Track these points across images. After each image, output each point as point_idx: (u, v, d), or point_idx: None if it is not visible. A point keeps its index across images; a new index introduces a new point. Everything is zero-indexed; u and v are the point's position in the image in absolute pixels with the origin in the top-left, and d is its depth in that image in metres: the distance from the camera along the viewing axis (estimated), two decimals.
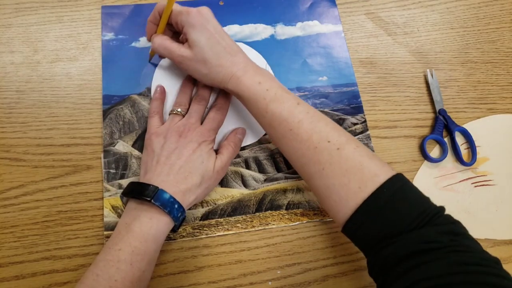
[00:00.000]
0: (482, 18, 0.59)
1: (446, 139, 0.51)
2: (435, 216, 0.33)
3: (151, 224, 0.36)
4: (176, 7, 0.44)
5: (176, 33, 0.48)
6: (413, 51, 0.56)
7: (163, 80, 0.50)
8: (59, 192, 0.45)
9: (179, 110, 0.45)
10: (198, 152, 0.41)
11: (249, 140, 0.49)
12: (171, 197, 0.37)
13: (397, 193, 0.34)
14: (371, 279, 0.44)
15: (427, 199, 0.35)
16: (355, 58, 0.55)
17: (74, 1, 0.54)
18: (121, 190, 0.45)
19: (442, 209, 0.34)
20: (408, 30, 0.58)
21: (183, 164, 0.40)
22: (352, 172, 0.35)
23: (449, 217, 0.34)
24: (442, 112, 0.52)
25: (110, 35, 0.52)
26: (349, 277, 0.44)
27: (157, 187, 0.37)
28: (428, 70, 0.54)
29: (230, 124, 0.49)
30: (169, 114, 0.45)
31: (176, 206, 0.38)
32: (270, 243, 0.45)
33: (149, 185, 0.38)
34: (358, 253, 0.45)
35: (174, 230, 0.40)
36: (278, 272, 0.44)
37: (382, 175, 0.34)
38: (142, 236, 0.36)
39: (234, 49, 0.43)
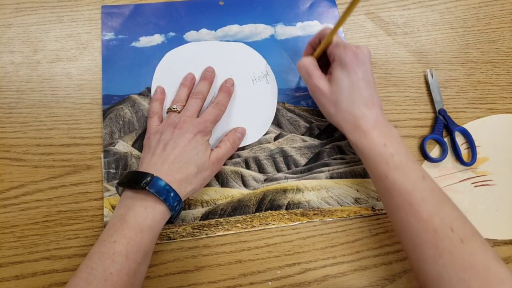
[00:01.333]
0: (482, 18, 0.59)
1: (446, 139, 0.51)
2: None
3: (146, 214, 0.36)
4: (336, 38, 0.43)
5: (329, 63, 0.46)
6: (413, 51, 0.56)
7: (163, 80, 0.50)
8: (59, 192, 0.45)
9: (175, 107, 0.45)
10: (194, 143, 0.41)
11: (249, 140, 0.49)
12: (166, 184, 0.37)
13: None
14: (371, 279, 0.44)
15: None
16: None
17: (74, 1, 0.54)
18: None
19: None
20: (408, 30, 0.58)
21: (178, 154, 0.40)
22: (475, 270, 0.32)
23: None
24: (442, 112, 0.52)
25: (110, 35, 0.52)
26: (349, 277, 0.44)
27: (152, 175, 0.37)
28: (428, 70, 0.54)
29: (231, 124, 0.49)
30: (167, 112, 0.45)
31: (172, 194, 0.37)
32: (270, 243, 0.45)
33: (144, 173, 0.37)
34: (358, 253, 0.45)
35: (171, 221, 0.39)
36: (278, 272, 0.44)
37: (509, 283, 0.31)
38: (137, 227, 0.35)
39: (373, 101, 0.41)
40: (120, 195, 0.40)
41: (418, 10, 0.59)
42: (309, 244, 0.45)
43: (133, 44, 0.52)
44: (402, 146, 0.40)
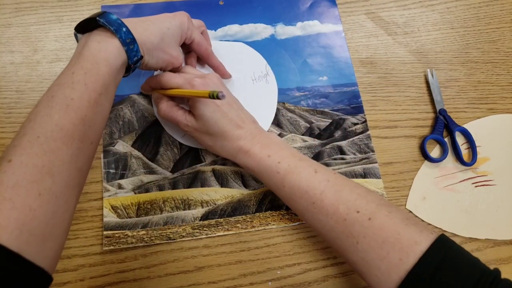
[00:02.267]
0: (482, 18, 0.59)
1: (446, 139, 0.51)
2: (493, 284, 0.29)
3: (99, 46, 0.35)
4: (179, 79, 0.42)
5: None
6: (414, 51, 0.56)
7: None
8: None
9: None
10: (169, 18, 0.41)
11: None
12: (118, 19, 0.36)
13: (444, 261, 0.30)
14: None
15: (478, 263, 0.31)
16: (355, 58, 0.55)
17: (74, 1, 0.54)
18: (121, 190, 0.45)
19: (497, 273, 0.31)
20: (408, 30, 0.58)
21: (149, 17, 0.40)
22: (390, 242, 0.32)
23: (508, 282, 0.30)
24: (443, 112, 0.52)
25: None
26: (349, 277, 0.44)
27: (105, 11, 0.37)
28: (428, 70, 0.54)
29: None
30: None
31: (124, 29, 0.36)
32: (270, 243, 0.45)
33: (96, 13, 0.37)
34: None
35: (128, 68, 0.38)
36: (278, 272, 0.44)
37: (423, 242, 0.31)
38: (92, 59, 0.34)
39: (242, 119, 0.42)
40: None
41: (418, 10, 0.59)
42: (309, 244, 0.45)
43: None
44: (285, 150, 0.40)
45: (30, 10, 0.53)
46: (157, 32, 0.40)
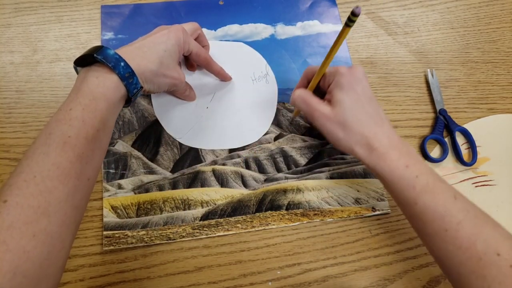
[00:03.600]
0: (482, 18, 0.59)
1: (446, 139, 0.51)
2: None
3: (98, 82, 0.35)
4: (329, 69, 0.42)
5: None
6: (414, 51, 0.56)
7: None
8: None
9: None
10: (164, 38, 0.40)
11: (249, 140, 0.49)
12: (115, 53, 0.36)
13: None
14: (372, 279, 0.44)
15: None
16: (355, 58, 0.55)
17: (73, 1, 0.54)
18: (121, 190, 0.45)
19: None
20: (408, 30, 0.57)
21: (145, 43, 0.40)
22: None
23: None
24: (443, 112, 0.52)
25: (109, 35, 0.52)
26: (349, 277, 0.44)
27: (102, 46, 0.37)
28: (428, 70, 0.54)
29: (231, 123, 0.49)
30: None
31: (122, 64, 0.36)
32: (270, 243, 0.45)
33: (94, 47, 0.37)
34: (358, 254, 0.45)
35: (129, 100, 0.38)
36: (278, 272, 0.44)
37: None
38: (90, 94, 0.34)
39: (381, 117, 0.39)
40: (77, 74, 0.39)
41: (418, 10, 0.59)
42: (309, 244, 0.45)
43: None
44: (424, 165, 0.37)
45: (30, 10, 0.53)
46: (154, 58, 0.39)
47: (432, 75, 0.54)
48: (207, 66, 0.48)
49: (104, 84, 0.35)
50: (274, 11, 0.56)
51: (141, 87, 0.39)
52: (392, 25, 0.58)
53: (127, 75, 0.36)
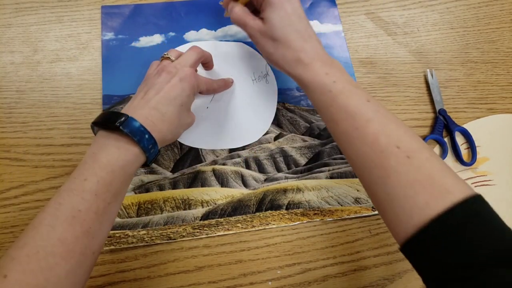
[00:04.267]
0: (482, 18, 0.59)
1: (446, 139, 0.51)
2: None
3: (118, 154, 0.34)
4: None
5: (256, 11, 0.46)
6: (413, 51, 0.56)
7: None
8: None
9: (167, 55, 0.43)
10: (178, 91, 0.40)
11: (249, 139, 0.49)
12: (141, 126, 0.35)
13: (472, 218, 0.29)
14: (371, 279, 0.44)
15: (510, 232, 0.29)
16: (355, 58, 0.55)
17: (74, 1, 0.54)
18: None
19: None
20: (408, 30, 0.58)
21: (159, 99, 0.38)
22: (421, 184, 0.30)
23: None
24: (442, 112, 0.52)
25: (110, 35, 0.52)
26: (349, 277, 0.44)
27: (127, 115, 0.35)
28: (428, 70, 0.54)
29: (231, 122, 0.49)
30: (160, 60, 0.44)
31: (146, 136, 0.35)
32: (270, 243, 0.45)
33: (120, 113, 0.36)
34: (358, 253, 0.45)
35: (146, 164, 0.38)
36: (278, 272, 0.44)
37: (456, 193, 0.29)
38: (109, 167, 0.33)
39: (309, 34, 0.41)
40: (95, 134, 0.38)
41: (418, 10, 0.59)
42: (309, 244, 0.45)
43: (133, 44, 0.52)
44: (344, 74, 0.39)
45: (31, 10, 0.53)
46: (174, 118, 0.39)
47: (432, 75, 0.54)
48: (214, 92, 0.49)
49: (126, 157, 0.35)
50: None
51: (159, 151, 0.38)
52: (392, 25, 0.58)
53: (150, 147, 0.36)
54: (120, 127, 0.34)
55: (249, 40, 0.54)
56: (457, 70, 0.56)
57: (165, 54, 0.43)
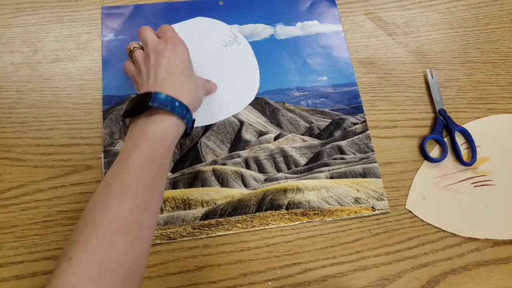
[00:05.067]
0: (482, 18, 0.59)
1: (446, 139, 0.51)
2: None
3: (155, 126, 0.35)
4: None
5: None
6: (413, 51, 0.56)
7: None
8: (59, 192, 0.45)
9: (136, 46, 0.44)
10: (178, 56, 0.41)
11: (245, 101, 0.51)
12: (167, 96, 0.36)
13: None
14: (371, 279, 0.44)
15: None
16: (355, 58, 0.55)
17: (74, 1, 0.54)
18: None
19: None
20: (408, 30, 0.58)
21: (168, 68, 0.39)
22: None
23: None
24: (442, 112, 0.52)
25: (110, 36, 0.52)
26: (348, 277, 0.44)
27: (149, 92, 0.36)
28: (428, 70, 0.54)
29: (219, 93, 0.50)
30: (129, 55, 0.45)
31: (176, 103, 0.36)
32: (270, 243, 0.45)
33: (141, 94, 0.37)
34: (358, 253, 0.45)
35: (187, 133, 0.39)
36: (278, 272, 0.44)
37: None
38: (148, 140, 0.34)
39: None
40: (127, 125, 0.39)
41: (418, 10, 0.59)
42: (309, 244, 0.45)
43: None
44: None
45: (31, 11, 0.53)
46: (190, 81, 0.40)
47: (432, 75, 0.54)
48: None
49: (163, 127, 0.35)
50: (274, 11, 0.56)
51: (194, 119, 0.39)
52: (392, 26, 0.58)
53: (185, 112, 0.37)
54: (149, 103, 0.35)
55: (249, 40, 0.54)
56: (457, 70, 0.56)
57: (131, 47, 0.44)
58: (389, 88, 0.54)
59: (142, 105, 0.35)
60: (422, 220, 0.47)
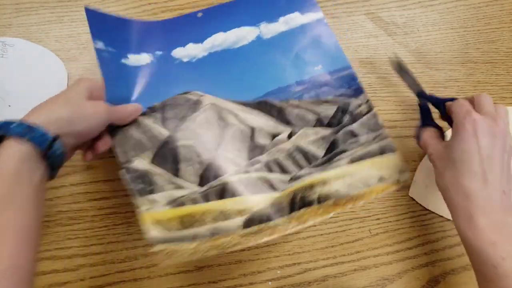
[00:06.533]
0: (482, 18, 0.59)
1: (438, 122, 0.46)
2: None
3: None
4: (461, 102, 0.41)
5: None
6: (413, 51, 0.56)
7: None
8: (59, 192, 0.45)
9: None
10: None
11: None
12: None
13: None
14: (371, 279, 0.44)
15: None
16: (355, 58, 0.55)
17: (74, 1, 0.54)
18: (156, 204, 0.42)
19: None
20: (408, 30, 0.58)
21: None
22: None
23: None
24: (422, 94, 0.48)
25: (100, 44, 0.46)
26: (348, 277, 0.44)
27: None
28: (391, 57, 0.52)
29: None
30: None
31: (13, 125, 0.31)
32: (270, 243, 0.45)
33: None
34: (358, 253, 0.45)
35: (51, 152, 0.32)
36: (278, 272, 0.44)
37: None
38: None
39: (486, 178, 0.35)
40: None
41: (418, 10, 0.59)
42: (309, 244, 0.45)
43: (123, 61, 0.47)
44: None
45: (31, 10, 0.53)
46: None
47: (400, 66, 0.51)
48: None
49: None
50: (255, 11, 0.55)
51: (57, 136, 0.32)
52: (392, 26, 0.58)
53: (24, 131, 0.31)
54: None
55: (237, 46, 0.53)
56: (457, 70, 0.56)
57: None
58: (389, 88, 0.54)
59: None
60: (425, 209, 0.47)
